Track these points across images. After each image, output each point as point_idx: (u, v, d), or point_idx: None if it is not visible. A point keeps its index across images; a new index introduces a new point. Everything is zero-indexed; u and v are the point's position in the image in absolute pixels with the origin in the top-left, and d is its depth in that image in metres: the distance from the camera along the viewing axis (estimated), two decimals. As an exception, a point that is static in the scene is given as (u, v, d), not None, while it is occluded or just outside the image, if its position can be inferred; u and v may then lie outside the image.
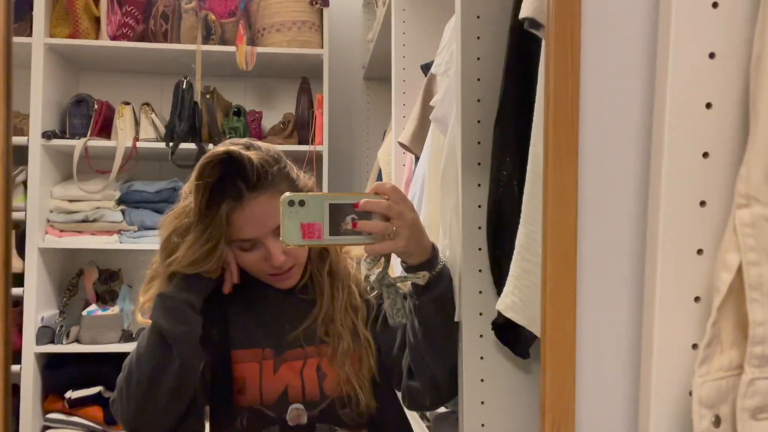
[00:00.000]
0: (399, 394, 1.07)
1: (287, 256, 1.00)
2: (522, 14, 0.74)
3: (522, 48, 0.84)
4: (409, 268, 0.90)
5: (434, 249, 0.91)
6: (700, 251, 0.60)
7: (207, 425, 1.12)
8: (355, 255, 1.11)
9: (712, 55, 0.60)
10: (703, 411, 0.56)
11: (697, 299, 0.60)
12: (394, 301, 0.89)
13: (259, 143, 1.04)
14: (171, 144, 2.22)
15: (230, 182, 0.97)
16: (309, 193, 0.84)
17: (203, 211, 0.96)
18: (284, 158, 1.04)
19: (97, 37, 2.27)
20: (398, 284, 0.89)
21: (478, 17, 0.91)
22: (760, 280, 0.55)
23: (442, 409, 1.13)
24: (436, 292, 0.90)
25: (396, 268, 0.99)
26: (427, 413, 1.23)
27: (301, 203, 0.82)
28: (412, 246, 0.86)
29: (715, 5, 0.60)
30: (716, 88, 0.60)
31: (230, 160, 0.96)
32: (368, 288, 0.90)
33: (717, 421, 0.56)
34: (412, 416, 1.18)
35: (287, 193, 0.82)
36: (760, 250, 0.55)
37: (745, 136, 0.58)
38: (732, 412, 0.56)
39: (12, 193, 0.57)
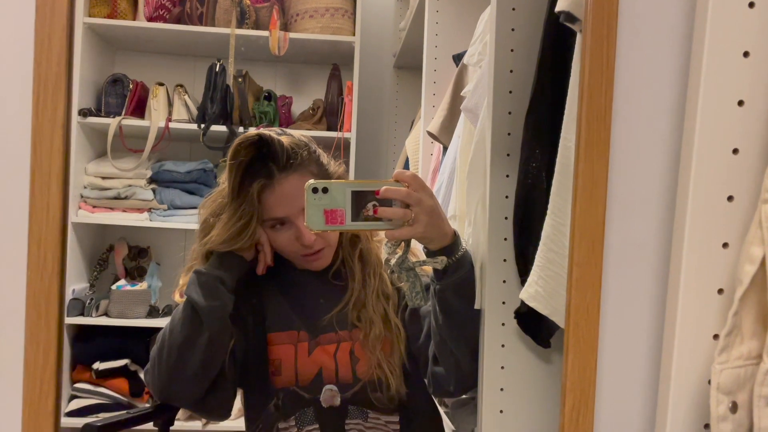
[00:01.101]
0: (425, 382, 1.09)
1: (318, 236, 1.03)
2: (558, 7, 0.75)
3: (556, 41, 0.85)
4: (429, 253, 0.92)
5: (455, 236, 0.92)
6: (725, 245, 0.61)
7: (240, 408, 1.15)
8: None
9: (746, 54, 0.61)
10: (721, 397, 0.57)
11: (720, 291, 0.62)
12: (413, 285, 0.92)
13: (291, 131, 1.08)
14: (202, 126, 2.26)
15: (262, 163, 1.01)
16: (332, 180, 0.86)
17: (236, 191, 1.00)
18: (314, 145, 1.07)
19: (134, 18, 2.31)
20: (417, 268, 0.91)
21: (514, 9, 0.92)
22: (783, 273, 0.57)
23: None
24: (455, 278, 0.92)
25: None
26: (446, 399, 1.25)
27: (325, 190, 0.85)
28: (431, 232, 0.88)
29: (751, 5, 0.60)
30: (749, 86, 0.61)
31: (261, 142, 1.00)
32: (389, 272, 0.92)
33: (734, 408, 0.57)
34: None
35: (311, 180, 0.85)
36: (785, 245, 0.57)
37: (776, 133, 0.59)
38: (749, 399, 0.58)
39: (69, 168, 0.61)
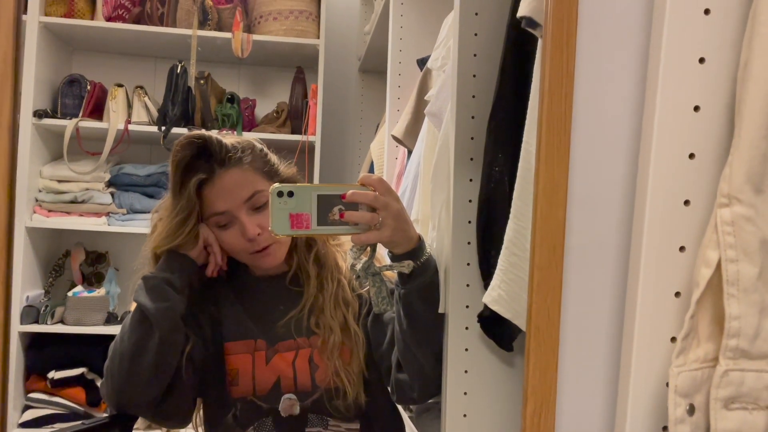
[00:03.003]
0: (388, 390, 1.08)
1: (263, 232, 1.02)
2: (520, 13, 0.75)
3: (518, 46, 0.86)
4: (394, 258, 0.92)
5: (420, 240, 0.92)
6: (682, 248, 0.62)
7: (201, 418, 1.13)
8: (348, 249, 1.13)
9: (702, 60, 0.62)
10: (679, 400, 0.58)
11: (677, 294, 0.62)
12: (380, 290, 0.91)
13: (237, 136, 1.10)
14: (163, 128, 2.22)
15: (203, 161, 1.02)
16: (298, 184, 0.86)
17: (177, 188, 1.01)
18: (261, 146, 1.08)
19: (92, 18, 2.26)
20: (383, 273, 0.91)
21: (477, 14, 0.92)
22: (738, 276, 0.58)
23: (425, 400, 1.14)
24: (420, 282, 0.92)
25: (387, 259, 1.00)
26: (410, 404, 1.24)
27: (290, 194, 0.84)
28: (397, 236, 0.88)
29: (706, 12, 0.62)
30: (705, 91, 0.62)
31: (202, 140, 1.01)
32: (354, 276, 0.92)
33: (691, 410, 0.58)
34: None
35: (276, 184, 0.84)
36: (739, 248, 0.58)
37: (731, 138, 0.60)
38: (706, 401, 0.59)
39: (15, 171, 0.58)
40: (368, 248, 0.90)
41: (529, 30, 0.76)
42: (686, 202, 0.62)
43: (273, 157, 1.09)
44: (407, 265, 0.90)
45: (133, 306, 1.02)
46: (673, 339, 0.62)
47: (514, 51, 0.87)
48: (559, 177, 0.63)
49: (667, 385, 0.59)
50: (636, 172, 0.65)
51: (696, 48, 0.61)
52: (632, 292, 0.63)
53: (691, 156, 0.62)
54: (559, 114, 0.63)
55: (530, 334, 0.63)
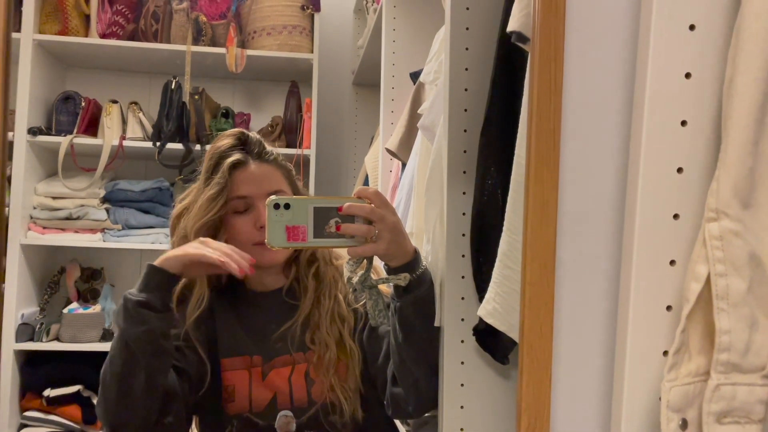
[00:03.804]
0: (384, 404, 1.08)
1: None
2: (509, 28, 0.76)
3: (509, 60, 0.87)
4: (390, 271, 0.92)
5: (416, 252, 0.93)
6: (672, 262, 0.63)
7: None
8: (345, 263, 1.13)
9: (688, 75, 0.62)
10: (671, 414, 0.58)
11: (668, 308, 0.63)
12: (376, 302, 0.91)
13: None
14: (158, 144, 2.22)
15: (240, 151, 1.07)
16: (294, 196, 0.86)
17: (209, 172, 1.06)
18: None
19: (86, 35, 2.27)
20: (380, 286, 0.91)
21: (467, 29, 0.93)
22: (727, 290, 0.58)
23: (421, 414, 1.14)
24: (416, 295, 0.92)
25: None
26: (407, 418, 1.24)
27: (287, 206, 0.84)
28: (393, 249, 0.88)
29: (692, 28, 0.62)
30: (691, 106, 0.62)
31: (244, 135, 1.08)
32: (351, 290, 0.92)
33: (684, 425, 0.58)
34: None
35: (273, 197, 0.85)
36: (728, 262, 0.58)
37: (718, 152, 0.60)
38: (698, 416, 0.59)
39: (6, 189, 0.58)
40: (365, 261, 0.90)
41: (519, 44, 0.76)
42: (675, 216, 0.63)
43: (293, 171, 1.14)
44: (403, 278, 0.90)
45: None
46: (666, 353, 0.62)
47: (505, 65, 0.87)
48: (549, 192, 0.63)
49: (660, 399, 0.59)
50: (625, 186, 0.65)
51: (682, 63, 0.62)
52: (624, 307, 0.63)
53: (680, 170, 0.62)
54: (548, 129, 0.63)
55: (523, 350, 0.64)
